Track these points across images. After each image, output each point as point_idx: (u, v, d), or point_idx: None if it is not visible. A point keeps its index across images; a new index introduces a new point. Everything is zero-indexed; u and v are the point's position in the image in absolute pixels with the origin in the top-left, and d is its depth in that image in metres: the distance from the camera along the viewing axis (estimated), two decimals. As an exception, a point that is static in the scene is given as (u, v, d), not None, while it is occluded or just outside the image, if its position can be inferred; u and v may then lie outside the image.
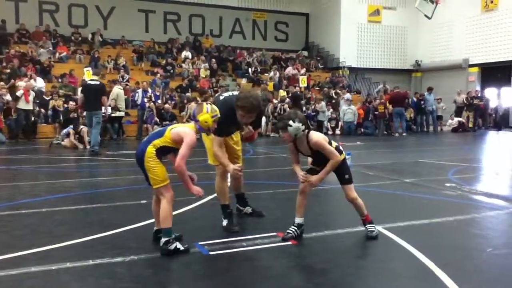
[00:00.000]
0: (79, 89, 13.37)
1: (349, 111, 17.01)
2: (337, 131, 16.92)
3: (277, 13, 25.48)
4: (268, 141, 14.33)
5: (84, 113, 11.15)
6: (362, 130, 17.08)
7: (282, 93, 18.20)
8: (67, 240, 3.73)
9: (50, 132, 14.21)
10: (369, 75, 23.12)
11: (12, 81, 14.61)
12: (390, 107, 16.90)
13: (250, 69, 21.42)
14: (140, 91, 15.49)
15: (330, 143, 3.86)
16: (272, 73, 20.61)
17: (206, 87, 18.35)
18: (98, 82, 11.01)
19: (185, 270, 3.17)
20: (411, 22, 23.88)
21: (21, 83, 14.06)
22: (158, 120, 15.09)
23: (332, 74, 23.05)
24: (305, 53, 25.13)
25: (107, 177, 7.45)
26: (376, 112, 17.22)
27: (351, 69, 23.11)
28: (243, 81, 20.39)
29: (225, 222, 4.17)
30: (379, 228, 4.14)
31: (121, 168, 8.49)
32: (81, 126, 11.62)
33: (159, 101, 16.06)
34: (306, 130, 3.74)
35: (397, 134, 16.49)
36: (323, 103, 17.48)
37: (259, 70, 21.56)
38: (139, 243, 3.68)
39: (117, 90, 14.87)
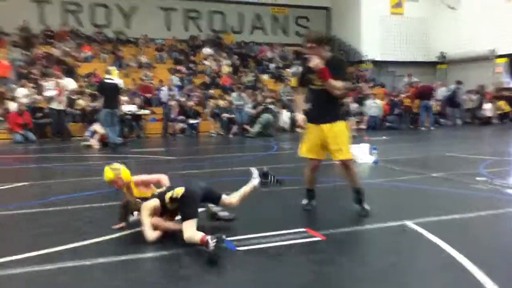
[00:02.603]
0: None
1: (374, 105, 16.78)
2: (362, 126, 16.70)
3: (298, 7, 25.31)
4: (293, 137, 14.27)
5: (102, 111, 11.20)
6: (387, 124, 16.82)
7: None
8: (97, 236, 3.80)
9: (77, 131, 14.47)
10: (393, 68, 22.75)
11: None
12: (416, 101, 16.60)
13: (271, 65, 21.37)
14: (164, 88, 15.62)
15: None
16: (294, 69, 20.49)
17: (228, 83, 18.40)
18: (114, 81, 11.08)
19: (213, 265, 3.18)
20: (435, 13, 23.35)
21: (48, 84, 14.33)
22: (183, 117, 15.21)
23: (354, 68, 22.78)
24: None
25: (136, 174, 7.52)
26: (402, 106, 16.93)
27: (375, 62, 22.78)
28: (265, 77, 20.35)
29: (304, 201, 4.64)
30: (409, 223, 4.06)
31: (147, 165, 8.58)
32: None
33: (183, 98, 16.18)
34: None
35: (423, 128, 16.18)
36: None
37: (281, 65, 21.47)
38: (167, 239, 3.70)
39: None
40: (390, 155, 8.90)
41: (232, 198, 4.06)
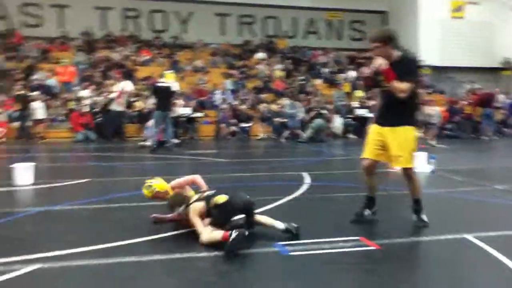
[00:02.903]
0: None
1: (432, 112, 16.16)
2: (419, 133, 16.14)
3: (353, 12, 24.95)
4: (346, 143, 14.07)
5: (154, 113, 11.39)
6: (446, 132, 16.15)
7: (359, 93, 17.78)
8: (153, 234, 3.92)
9: (135, 131, 15.01)
10: (452, 74, 21.89)
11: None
12: (477, 108, 15.85)
13: (325, 70, 21.19)
14: (218, 92, 15.90)
15: None
16: (347, 74, 20.21)
17: (280, 88, 18.44)
18: (167, 84, 11.30)
19: (265, 269, 3.20)
20: (498, 16, 22.25)
21: (110, 87, 14.98)
22: (236, 121, 15.40)
23: (411, 73, 22.10)
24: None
25: (188, 175, 7.71)
26: (462, 114, 16.23)
27: (433, 68, 22.01)
28: (318, 81, 20.20)
29: (366, 212, 4.38)
30: (469, 236, 3.88)
31: (200, 167, 8.75)
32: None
33: (235, 102, 16.39)
34: None
35: (485, 137, 15.41)
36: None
37: (334, 70, 21.25)
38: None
39: None
40: (449, 164, 8.55)
41: (258, 217, 3.97)
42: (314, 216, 4.67)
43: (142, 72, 18.38)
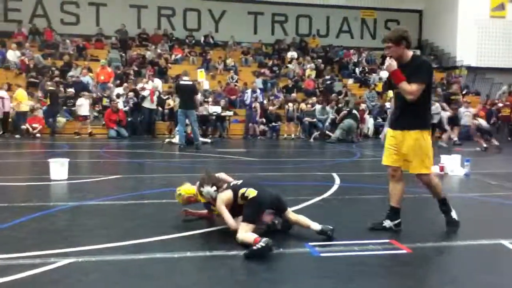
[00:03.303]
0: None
1: (467, 114, 15.72)
2: (453, 136, 15.74)
3: (388, 10, 24.53)
4: (376, 143, 13.86)
5: (178, 111, 11.42)
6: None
7: (391, 94, 17.44)
8: (183, 231, 3.96)
9: (165, 129, 15.23)
10: (490, 75, 21.21)
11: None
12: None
13: (357, 69, 20.93)
14: (249, 91, 15.95)
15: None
16: (381, 73, 19.88)
17: (311, 87, 18.33)
18: (190, 82, 11.32)
19: (296, 269, 3.18)
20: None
21: (143, 85, 15.25)
22: (264, 120, 15.41)
23: (447, 74, 21.57)
24: (418, 52, 23.82)
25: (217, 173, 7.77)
26: (499, 115, 15.72)
27: (470, 68, 21.40)
28: (350, 81, 19.97)
29: (386, 223, 4.12)
30: (505, 242, 3.75)
31: (229, 165, 8.80)
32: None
33: (265, 101, 16.39)
34: None
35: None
36: (437, 105, 16.38)
37: (366, 70, 20.95)
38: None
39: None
40: (485, 168, 8.30)
41: (295, 216, 3.96)
42: (344, 218, 4.62)
43: (174, 70, 18.64)
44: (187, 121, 11.15)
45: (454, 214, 4.19)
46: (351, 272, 3.15)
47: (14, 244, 3.51)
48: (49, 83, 15.18)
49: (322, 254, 3.44)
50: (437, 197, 4.20)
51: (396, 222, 4.14)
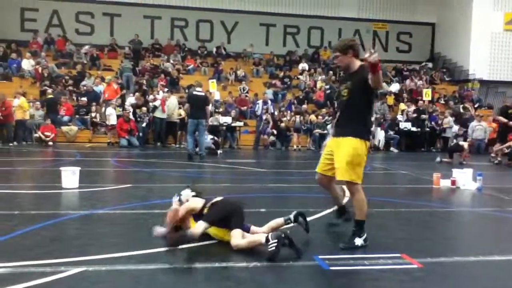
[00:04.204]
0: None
1: (479, 128, 15.60)
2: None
3: (400, 23, 24.53)
4: (386, 157, 13.78)
5: (188, 121, 11.46)
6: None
7: (403, 106, 17.40)
8: (194, 241, 3.94)
9: (177, 138, 15.28)
10: (503, 89, 21.03)
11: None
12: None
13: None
14: (260, 102, 15.99)
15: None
16: (393, 86, 19.83)
17: (322, 99, 18.32)
18: (203, 93, 11.38)
19: (305, 283, 3.15)
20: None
21: (154, 96, 15.35)
22: (275, 131, 15.41)
23: (459, 87, 21.44)
24: (430, 64, 23.76)
25: (226, 183, 7.79)
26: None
27: (482, 82, 21.25)
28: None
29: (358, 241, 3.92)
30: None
31: (238, 176, 8.81)
32: None
33: (276, 113, 16.41)
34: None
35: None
36: (450, 119, 16.30)
37: (378, 82, 20.88)
38: (262, 250, 3.73)
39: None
40: (498, 182, 8.20)
41: (258, 230, 4.04)
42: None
43: (186, 81, 18.78)
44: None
45: (358, 240, 3.91)
46: (361, 287, 3.12)
47: (25, 252, 3.54)
48: (49, 91, 15.32)
49: (331, 268, 3.41)
50: (355, 214, 3.99)
51: (345, 217, 4.41)
